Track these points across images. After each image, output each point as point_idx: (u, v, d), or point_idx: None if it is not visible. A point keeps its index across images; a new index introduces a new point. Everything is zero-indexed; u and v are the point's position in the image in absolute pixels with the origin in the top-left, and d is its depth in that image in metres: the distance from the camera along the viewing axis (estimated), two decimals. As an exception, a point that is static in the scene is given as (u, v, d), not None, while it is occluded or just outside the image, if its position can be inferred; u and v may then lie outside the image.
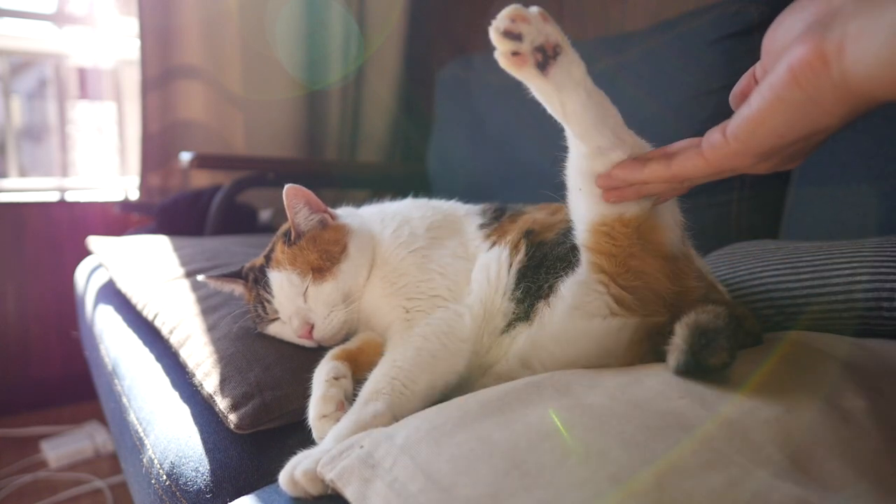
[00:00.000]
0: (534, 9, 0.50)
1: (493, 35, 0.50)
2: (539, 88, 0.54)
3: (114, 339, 1.08)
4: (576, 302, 0.61)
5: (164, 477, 0.67)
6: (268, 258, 0.79)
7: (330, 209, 0.81)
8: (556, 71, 0.52)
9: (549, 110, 0.56)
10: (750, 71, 0.49)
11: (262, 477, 0.65)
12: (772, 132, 0.41)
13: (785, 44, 0.40)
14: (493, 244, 0.75)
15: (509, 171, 1.57)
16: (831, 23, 0.37)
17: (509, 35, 0.50)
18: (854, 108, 0.38)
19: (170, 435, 0.72)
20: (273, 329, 0.79)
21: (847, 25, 0.36)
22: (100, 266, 1.48)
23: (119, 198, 2.13)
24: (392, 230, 0.79)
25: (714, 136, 0.46)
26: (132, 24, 2.00)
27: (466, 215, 0.83)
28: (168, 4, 1.87)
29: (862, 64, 0.35)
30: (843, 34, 0.36)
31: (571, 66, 0.53)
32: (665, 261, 0.59)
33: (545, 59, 0.52)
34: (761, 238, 1.04)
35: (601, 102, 0.55)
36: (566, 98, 0.54)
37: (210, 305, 0.90)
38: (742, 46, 1.11)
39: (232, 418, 0.67)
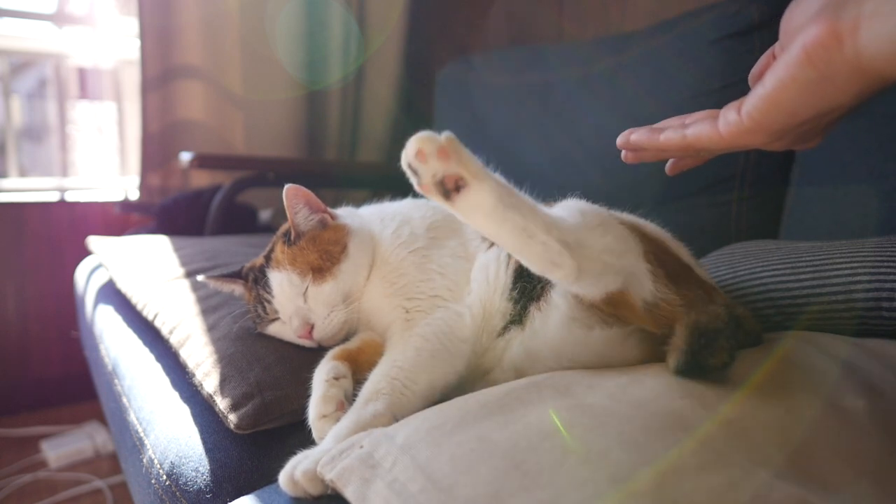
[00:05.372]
0: (440, 139, 0.48)
1: (403, 165, 0.49)
2: (454, 213, 0.52)
3: (114, 339, 1.08)
4: (572, 313, 0.60)
5: (164, 477, 0.67)
6: (268, 258, 0.79)
7: (330, 209, 0.81)
8: (461, 202, 0.50)
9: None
10: (769, 51, 0.50)
11: (262, 477, 0.65)
12: (785, 111, 0.42)
13: (801, 23, 0.41)
14: (492, 244, 0.75)
15: (509, 171, 1.56)
16: (847, 3, 0.37)
17: (411, 169, 0.49)
18: (867, 88, 0.39)
19: (170, 435, 0.72)
20: (273, 329, 0.79)
21: (862, 5, 0.36)
22: (100, 266, 1.48)
23: (119, 198, 2.13)
24: (392, 230, 0.79)
25: (729, 113, 0.46)
26: (132, 24, 2.00)
27: (466, 215, 0.83)
28: (168, 4, 1.86)
29: (876, 43, 0.36)
30: (857, 14, 0.36)
31: (479, 196, 0.49)
32: (643, 315, 0.57)
33: (447, 192, 0.49)
34: (761, 238, 1.04)
35: (521, 230, 0.51)
36: (479, 225, 0.52)
37: (210, 305, 0.90)
38: (742, 46, 1.11)
39: (232, 418, 0.67)
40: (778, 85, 0.41)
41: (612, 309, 0.57)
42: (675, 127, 0.52)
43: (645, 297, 0.57)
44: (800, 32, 0.39)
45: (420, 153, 0.48)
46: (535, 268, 0.54)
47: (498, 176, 0.51)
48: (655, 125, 0.55)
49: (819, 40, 0.38)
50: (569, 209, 0.59)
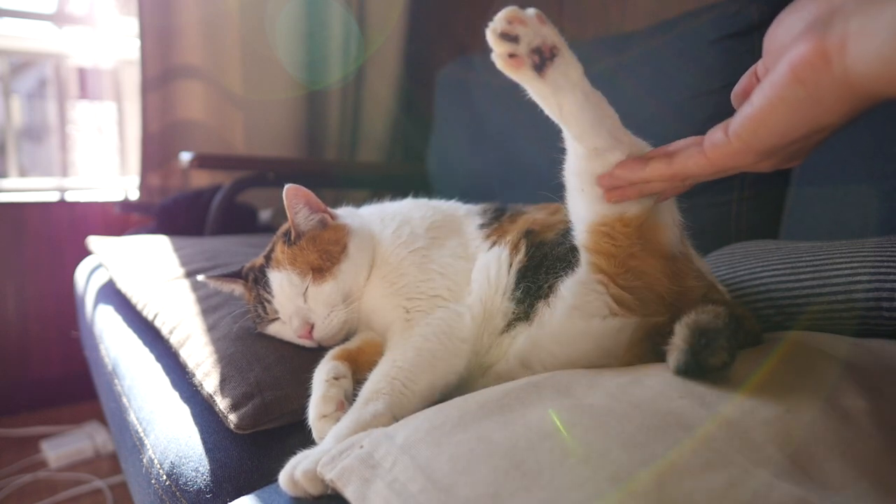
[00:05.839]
0: (531, 10, 0.50)
1: (490, 37, 0.50)
2: (536, 90, 0.54)
3: (114, 339, 1.08)
4: (575, 302, 0.61)
5: (164, 477, 0.67)
6: (268, 258, 0.79)
7: (330, 209, 0.81)
8: (552, 72, 0.52)
9: (547, 111, 0.56)
10: (751, 70, 0.49)
11: (262, 477, 0.65)
12: (774, 131, 0.41)
13: (786, 42, 0.40)
14: (493, 244, 0.75)
15: (509, 171, 1.57)
16: (832, 20, 0.37)
17: (506, 37, 0.50)
18: (856, 106, 0.38)
19: (170, 435, 0.72)
20: (273, 329, 0.79)
21: (848, 23, 0.36)
22: (100, 266, 1.48)
23: (119, 198, 2.13)
24: (392, 230, 0.79)
25: (716, 135, 0.46)
26: (132, 24, 2.00)
27: (466, 215, 0.83)
28: (168, 4, 1.86)
29: (863, 61, 0.35)
30: (844, 32, 0.36)
31: (568, 67, 0.53)
32: (665, 260, 0.59)
33: (542, 60, 0.51)
34: (761, 238, 1.04)
35: (598, 104, 0.55)
36: (563, 99, 0.54)
37: (210, 305, 0.90)
38: (742, 46, 1.11)
39: (232, 418, 0.67)
40: (766, 104, 0.40)
41: (639, 247, 0.58)
42: (660, 157, 0.52)
43: (674, 232, 0.59)
44: (786, 51, 0.39)
45: (517, 19, 0.49)
46: (598, 142, 0.56)
47: None
48: (639, 157, 0.55)
49: (806, 58, 0.37)
50: None
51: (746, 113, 0.42)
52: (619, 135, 0.56)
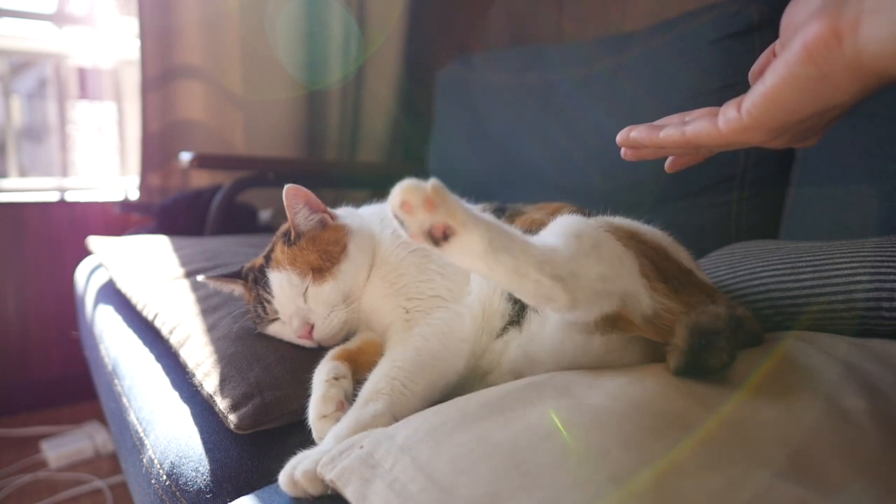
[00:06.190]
0: (426, 189, 0.46)
1: (389, 213, 0.48)
2: (443, 256, 0.50)
3: (114, 339, 1.08)
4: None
5: (164, 477, 0.67)
6: (267, 258, 0.79)
7: (330, 209, 0.81)
8: (450, 249, 0.48)
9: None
10: (770, 48, 0.50)
11: (262, 477, 0.65)
12: (785, 109, 0.42)
13: (802, 20, 0.40)
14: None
15: (509, 171, 1.57)
16: (847, 0, 0.37)
17: (397, 219, 0.47)
18: (867, 85, 0.39)
19: (170, 435, 0.72)
20: (273, 329, 0.79)
21: (863, 2, 0.36)
22: (100, 266, 1.48)
23: (119, 198, 2.13)
24: (392, 230, 0.79)
25: (729, 110, 0.46)
26: (132, 24, 2.00)
27: (466, 215, 0.83)
28: (168, 4, 1.86)
29: (876, 39, 0.35)
30: (858, 11, 0.36)
31: (468, 243, 0.48)
32: (642, 328, 0.57)
33: (436, 240, 0.48)
34: (761, 238, 1.04)
35: (515, 268, 0.50)
36: (471, 268, 0.51)
37: (210, 305, 0.90)
38: (742, 46, 1.11)
39: (232, 418, 0.67)
40: (778, 82, 0.41)
41: (609, 324, 0.57)
42: (675, 124, 0.52)
43: (643, 311, 0.56)
44: (800, 30, 0.39)
45: (405, 204, 0.46)
46: (529, 301, 0.53)
47: (487, 216, 0.49)
48: (655, 122, 0.55)
49: (820, 37, 0.38)
50: (564, 232, 0.56)
51: (759, 90, 0.43)
52: (547, 292, 0.51)
